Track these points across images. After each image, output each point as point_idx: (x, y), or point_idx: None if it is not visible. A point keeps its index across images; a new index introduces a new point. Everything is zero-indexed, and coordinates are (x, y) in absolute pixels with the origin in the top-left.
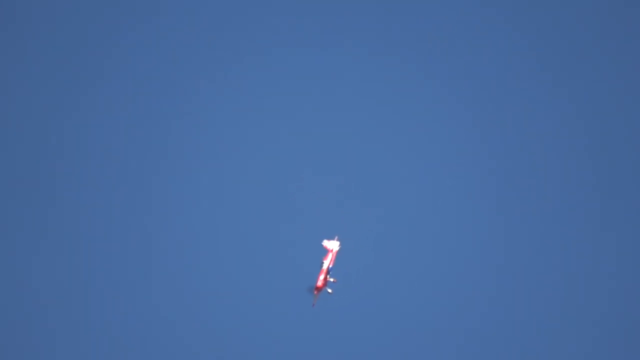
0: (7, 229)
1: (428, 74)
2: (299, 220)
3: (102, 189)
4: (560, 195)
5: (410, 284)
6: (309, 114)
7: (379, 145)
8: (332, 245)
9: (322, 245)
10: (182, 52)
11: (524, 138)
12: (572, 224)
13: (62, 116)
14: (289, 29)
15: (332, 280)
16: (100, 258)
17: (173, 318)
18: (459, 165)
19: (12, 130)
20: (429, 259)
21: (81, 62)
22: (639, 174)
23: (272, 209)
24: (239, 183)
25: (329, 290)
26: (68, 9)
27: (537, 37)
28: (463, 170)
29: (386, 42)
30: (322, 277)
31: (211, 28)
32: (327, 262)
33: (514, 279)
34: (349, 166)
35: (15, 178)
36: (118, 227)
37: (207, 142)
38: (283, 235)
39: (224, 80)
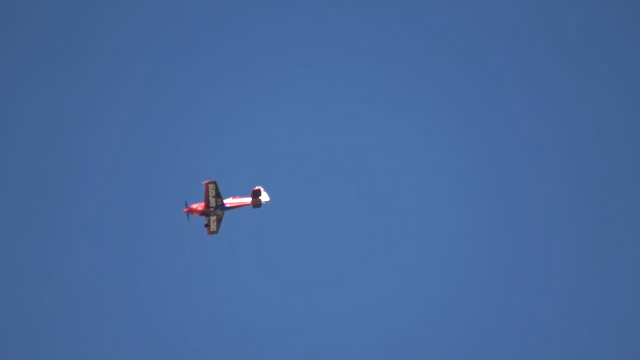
0: (7, 229)
1: (427, 76)
2: (300, 220)
3: (102, 189)
4: (559, 196)
5: (408, 283)
6: (308, 114)
7: (378, 146)
8: (262, 196)
9: (255, 187)
10: (184, 54)
11: (522, 138)
12: (572, 224)
13: (62, 116)
14: (289, 31)
15: (214, 212)
16: (100, 258)
17: (174, 318)
18: (457, 166)
19: (11, 130)
20: (426, 258)
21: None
22: (638, 174)
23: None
24: (238, 182)
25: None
26: (78, 10)
27: (537, 38)
28: (462, 170)
29: (386, 45)
30: (204, 203)
31: (214, 29)
32: (227, 199)
33: (511, 280)
34: (349, 164)
35: (15, 178)
36: (118, 226)
37: (206, 142)
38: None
39: (225, 81)
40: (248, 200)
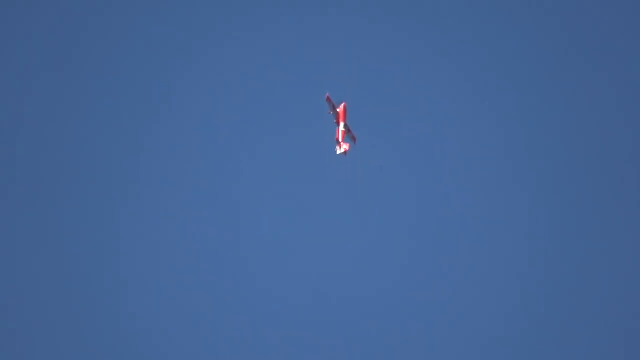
0: (7, 229)
1: (428, 71)
2: (302, 220)
3: (105, 191)
4: (563, 197)
5: (409, 283)
6: (309, 111)
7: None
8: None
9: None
10: (180, 50)
11: (525, 138)
12: (573, 225)
13: (62, 116)
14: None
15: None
16: (101, 259)
17: (175, 320)
18: (458, 165)
19: (11, 130)
20: (428, 259)
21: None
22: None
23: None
24: (239, 182)
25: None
26: (68, 9)
27: (544, 34)
28: (463, 170)
29: (388, 42)
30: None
31: (211, 24)
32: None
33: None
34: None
35: (15, 178)
36: (120, 229)
37: (207, 142)
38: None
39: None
40: (341, 140)
